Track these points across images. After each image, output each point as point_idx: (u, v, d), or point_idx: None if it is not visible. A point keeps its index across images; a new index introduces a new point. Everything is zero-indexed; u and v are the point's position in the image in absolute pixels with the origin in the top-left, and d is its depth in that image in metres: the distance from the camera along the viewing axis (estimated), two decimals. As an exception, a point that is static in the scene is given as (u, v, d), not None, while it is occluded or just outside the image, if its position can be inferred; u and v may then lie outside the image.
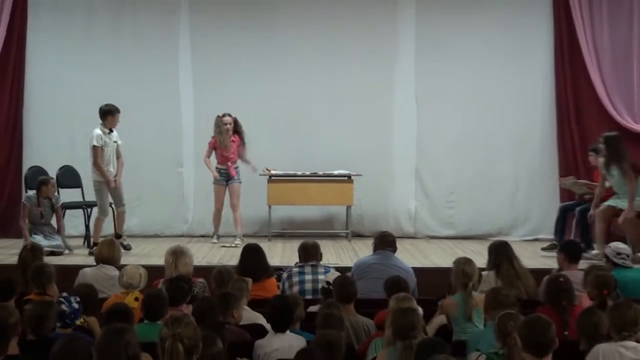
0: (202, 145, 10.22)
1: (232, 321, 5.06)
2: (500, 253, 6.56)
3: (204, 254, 9.17)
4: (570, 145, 10.78)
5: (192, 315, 4.55)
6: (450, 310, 5.60)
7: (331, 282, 5.87)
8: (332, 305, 5.27)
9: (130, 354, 3.79)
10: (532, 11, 10.94)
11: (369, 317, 5.50)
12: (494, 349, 4.32)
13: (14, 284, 5.74)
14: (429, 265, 8.58)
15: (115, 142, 9.27)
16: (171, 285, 5.58)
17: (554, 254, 7.68)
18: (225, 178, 9.99)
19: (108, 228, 9.57)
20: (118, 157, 9.34)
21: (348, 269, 7.11)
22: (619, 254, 6.64)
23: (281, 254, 9.25)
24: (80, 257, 8.94)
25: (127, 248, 9.27)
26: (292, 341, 4.74)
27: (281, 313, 4.94)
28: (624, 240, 7.87)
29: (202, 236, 10.57)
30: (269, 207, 10.41)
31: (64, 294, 5.14)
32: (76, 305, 4.97)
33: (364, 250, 9.14)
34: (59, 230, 9.26)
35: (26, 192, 9.78)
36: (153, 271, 6.53)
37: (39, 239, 8.77)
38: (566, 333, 5.06)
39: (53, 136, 10.76)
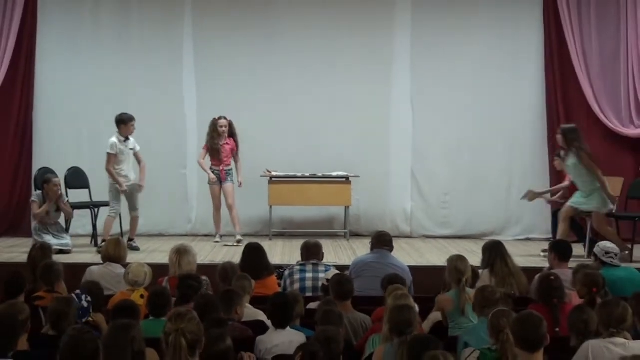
0: (206, 146, 10.36)
1: (235, 318, 5.10)
2: (494, 252, 6.63)
3: (207, 253, 9.24)
4: (559, 148, 10.89)
5: (192, 312, 4.64)
6: (445, 306, 5.69)
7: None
8: (332, 303, 5.33)
9: (136, 349, 3.88)
10: (524, 18, 11.02)
11: (366, 314, 5.55)
12: (487, 345, 4.40)
13: (22, 280, 5.81)
14: (425, 264, 8.65)
15: (131, 149, 9.45)
16: (182, 283, 5.63)
17: None
18: (219, 179, 10.10)
19: (115, 228, 9.72)
20: (139, 162, 9.55)
21: (346, 267, 7.20)
22: (607, 253, 6.70)
23: (281, 253, 9.33)
24: (87, 255, 9.02)
25: (136, 249, 9.41)
26: (292, 337, 4.80)
27: (281, 310, 4.99)
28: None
29: (205, 235, 10.64)
30: (270, 207, 10.50)
31: (77, 292, 5.22)
32: (85, 304, 5.05)
33: (361, 249, 9.22)
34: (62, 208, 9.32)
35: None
36: (158, 269, 6.64)
37: (48, 239, 8.85)
38: (557, 330, 5.11)
39: (62, 138, 10.85)
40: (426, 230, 11.15)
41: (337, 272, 6.39)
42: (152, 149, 10.24)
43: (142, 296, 5.74)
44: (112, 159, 9.33)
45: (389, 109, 11.15)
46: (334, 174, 10.68)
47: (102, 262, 6.97)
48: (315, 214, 11.14)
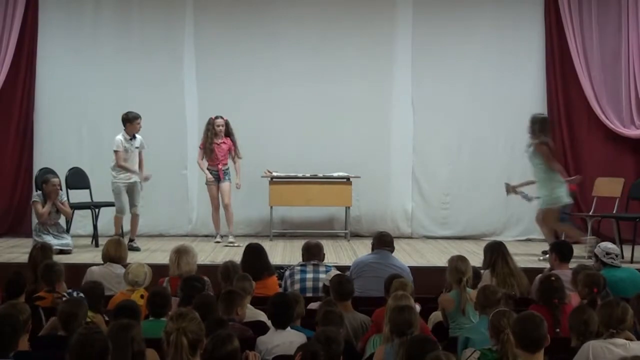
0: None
1: (236, 318, 5.12)
2: (495, 252, 6.63)
3: (207, 253, 9.26)
4: (560, 148, 10.84)
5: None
6: (446, 306, 5.72)
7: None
8: (332, 303, 5.33)
9: (136, 349, 3.92)
10: (524, 18, 11.07)
11: (366, 314, 5.55)
12: (488, 345, 4.40)
13: (23, 281, 5.82)
14: (425, 265, 8.67)
15: (137, 147, 9.56)
16: (185, 284, 5.66)
17: None
18: (216, 178, 10.12)
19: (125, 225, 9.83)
20: (140, 161, 9.66)
21: (347, 267, 7.20)
22: (608, 253, 6.70)
23: (282, 253, 9.35)
24: (88, 255, 9.04)
25: (136, 250, 9.47)
26: (292, 337, 4.80)
27: (282, 310, 4.99)
28: (612, 240, 7.97)
29: (206, 236, 10.67)
30: (271, 207, 10.52)
31: (69, 291, 5.28)
32: None
33: (362, 249, 9.24)
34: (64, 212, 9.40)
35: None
36: (158, 269, 6.68)
37: (48, 239, 8.87)
38: (557, 330, 5.12)
39: (62, 138, 10.89)
40: (427, 230, 11.18)
41: (338, 272, 6.39)
42: (152, 149, 10.25)
43: (142, 296, 5.75)
44: (120, 155, 9.45)
45: (390, 109, 11.18)
46: (335, 174, 10.70)
47: (102, 262, 6.96)
48: (315, 215, 11.16)
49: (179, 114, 11.06)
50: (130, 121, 9.51)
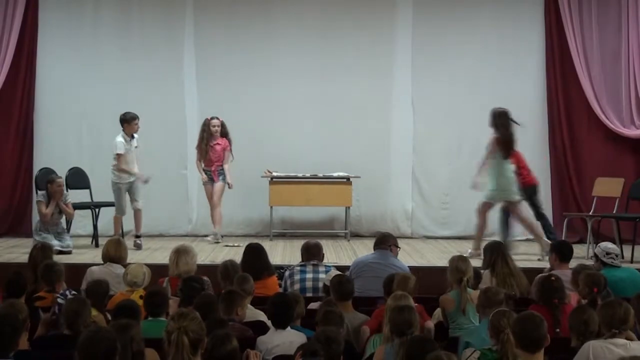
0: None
1: (236, 318, 5.13)
2: (495, 252, 6.65)
3: (207, 253, 9.27)
4: (561, 148, 10.90)
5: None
6: (446, 306, 5.74)
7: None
8: (332, 303, 5.35)
9: (135, 349, 3.93)
10: (525, 17, 11.09)
11: (366, 314, 5.56)
12: (488, 345, 4.40)
13: (24, 281, 5.82)
14: (425, 265, 8.67)
15: (136, 147, 9.65)
16: (184, 285, 5.67)
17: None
18: (210, 178, 10.16)
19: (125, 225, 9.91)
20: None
21: (347, 267, 7.21)
22: (608, 253, 6.70)
23: (282, 253, 9.35)
24: (88, 255, 9.05)
25: (139, 247, 9.57)
26: (292, 337, 4.81)
27: (281, 310, 5.00)
28: (612, 240, 7.97)
29: (206, 236, 10.64)
30: (271, 207, 10.53)
31: (61, 292, 5.30)
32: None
33: (362, 249, 9.26)
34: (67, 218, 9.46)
35: (36, 193, 9.91)
36: (158, 269, 6.69)
37: (49, 238, 8.89)
38: (558, 330, 5.12)
39: (63, 138, 10.91)
40: (427, 230, 11.19)
41: (338, 272, 6.40)
42: (152, 149, 10.29)
43: (141, 297, 5.72)
44: (121, 158, 9.53)
45: (390, 108, 11.19)
46: (335, 174, 10.70)
47: (102, 262, 6.97)
48: (315, 215, 11.17)
49: (179, 113, 11.06)
50: (128, 122, 9.58)
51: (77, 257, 8.92)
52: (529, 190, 9.34)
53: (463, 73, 11.05)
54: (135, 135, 9.68)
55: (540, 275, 6.07)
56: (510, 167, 9.10)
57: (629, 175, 10.30)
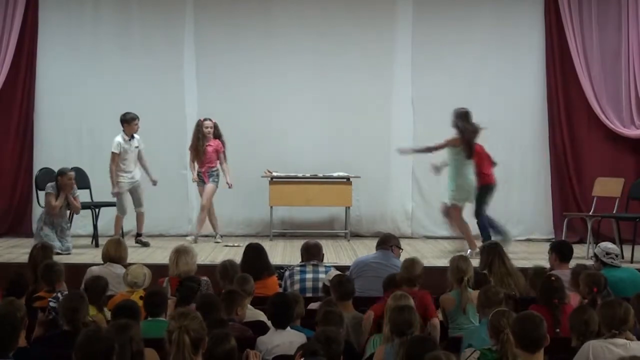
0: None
1: (236, 318, 5.13)
2: (492, 253, 6.64)
3: (207, 253, 9.27)
4: (561, 147, 10.90)
5: (192, 312, 4.65)
6: (447, 306, 5.75)
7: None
8: (332, 303, 5.35)
9: (135, 349, 3.93)
10: (524, 17, 11.09)
11: (366, 314, 5.57)
12: (488, 345, 4.41)
13: (24, 282, 5.86)
14: (425, 265, 8.52)
15: (136, 147, 9.64)
16: (181, 285, 5.68)
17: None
18: (202, 180, 10.16)
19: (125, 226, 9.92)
20: (141, 159, 9.74)
21: (347, 268, 7.22)
22: (608, 253, 6.70)
23: (282, 253, 9.36)
24: (88, 255, 9.05)
25: (146, 245, 9.66)
26: (292, 337, 4.81)
27: (281, 310, 5.00)
28: (612, 240, 7.97)
29: (206, 236, 10.64)
30: (271, 207, 10.54)
31: (55, 294, 5.32)
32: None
33: (362, 249, 9.28)
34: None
35: (36, 193, 9.94)
36: (158, 269, 6.69)
37: (51, 237, 8.92)
38: (557, 330, 5.12)
39: (63, 138, 10.92)
40: (427, 230, 11.19)
41: (338, 272, 6.41)
42: (152, 149, 10.27)
43: (141, 297, 5.72)
44: (116, 158, 9.52)
45: (390, 108, 11.19)
46: (335, 174, 10.71)
47: (102, 262, 6.96)
48: (316, 215, 11.18)
49: (179, 113, 11.06)
50: (128, 122, 9.60)
51: (77, 257, 8.92)
52: (485, 189, 9.31)
53: (463, 72, 11.05)
54: (137, 135, 9.69)
55: (534, 267, 6.21)
56: (471, 169, 9.10)
57: (629, 175, 10.30)
